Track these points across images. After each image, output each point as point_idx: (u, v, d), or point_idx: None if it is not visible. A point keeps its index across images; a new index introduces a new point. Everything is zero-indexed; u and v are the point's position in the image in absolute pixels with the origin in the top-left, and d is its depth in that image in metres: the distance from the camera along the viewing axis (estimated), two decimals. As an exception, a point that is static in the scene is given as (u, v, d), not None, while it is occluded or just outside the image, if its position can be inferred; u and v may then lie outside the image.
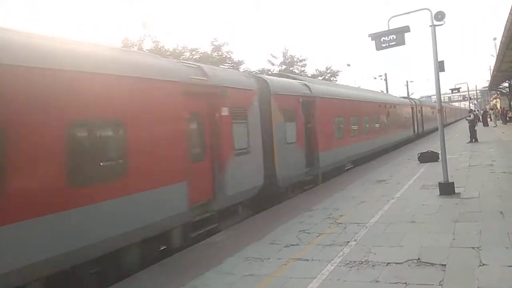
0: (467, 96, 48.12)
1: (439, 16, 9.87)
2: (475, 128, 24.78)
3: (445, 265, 5.46)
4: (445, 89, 54.56)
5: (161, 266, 6.77)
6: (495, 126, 38.76)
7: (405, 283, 5.04)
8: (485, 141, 23.65)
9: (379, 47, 10.36)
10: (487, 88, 57.35)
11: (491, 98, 67.33)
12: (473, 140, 23.66)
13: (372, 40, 10.41)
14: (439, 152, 11.28)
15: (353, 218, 8.59)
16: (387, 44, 10.19)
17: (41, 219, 5.01)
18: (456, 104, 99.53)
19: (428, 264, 5.56)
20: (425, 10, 10.08)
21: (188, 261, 6.84)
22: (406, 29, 10.12)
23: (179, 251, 7.42)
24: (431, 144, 20.71)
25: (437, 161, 14.97)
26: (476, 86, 69.44)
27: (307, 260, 6.29)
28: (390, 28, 10.22)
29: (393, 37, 10.14)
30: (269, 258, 6.53)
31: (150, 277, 6.30)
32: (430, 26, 10.03)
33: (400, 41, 10.15)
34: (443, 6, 11.33)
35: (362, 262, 5.93)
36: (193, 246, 7.67)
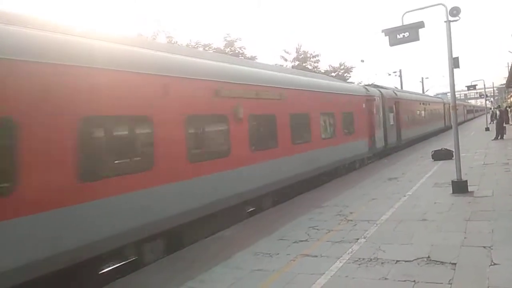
0: (483, 93, 47.04)
1: (455, 11, 9.69)
2: (504, 125, 24.23)
3: (455, 263, 5.40)
4: (461, 86, 53.65)
5: (170, 260, 6.84)
6: (511, 124, 38.06)
7: (414, 281, 4.99)
8: (501, 139, 23.26)
9: (392, 43, 10.23)
10: (504, 86, 56.18)
11: (508, 96, 65.95)
12: (499, 137, 23.23)
13: (386, 35, 10.28)
14: (454, 150, 11.13)
15: (363, 215, 8.54)
16: (402, 36, 10.03)
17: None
18: (472, 101, 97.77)
19: (438, 263, 5.50)
20: (440, 5, 9.91)
21: (197, 255, 6.89)
22: (421, 24, 9.96)
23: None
24: (446, 142, 20.44)
25: (451, 159, 14.73)
26: (493, 83, 68.18)
27: (315, 256, 6.28)
28: (404, 23, 10.08)
29: (407, 33, 10.00)
30: (278, 254, 6.54)
31: (158, 270, 6.37)
32: (445, 21, 9.87)
33: (414, 37, 9.99)
34: (459, 1, 11.14)
35: (371, 259, 5.90)
36: (202, 241, 7.73)
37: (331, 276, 5.41)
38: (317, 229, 7.78)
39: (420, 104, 28.58)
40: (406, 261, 5.67)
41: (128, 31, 28.88)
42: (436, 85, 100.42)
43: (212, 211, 7.83)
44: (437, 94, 61.15)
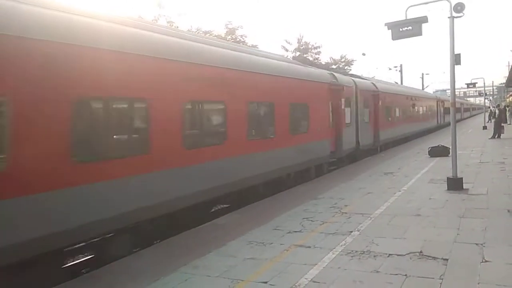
0: (482, 92, 47.03)
1: (459, 7, 9.62)
2: (502, 125, 24.28)
3: (447, 259, 5.44)
4: (460, 83, 53.56)
5: (165, 246, 6.87)
6: (510, 124, 38.15)
7: (406, 275, 5.03)
8: (498, 138, 23.34)
9: (395, 37, 10.15)
10: (504, 85, 56.19)
11: (508, 95, 66.04)
12: (496, 136, 23.31)
13: (388, 29, 10.19)
14: (450, 147, 11.16)
15: (358, 208, 8.58)
16: (404, 30, 9.93)
17: None
18: (471, 99, 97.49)
19: (430, 258, 5.54)
20: (444, 0, 9.83)
21: (192, 242, 6.92)
22: (424, 19, 9.87)
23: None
24: (443, 139, 20.50)
25: (448, 155, 14.79)
26: (492, 82, 68.10)
27: (309, 247, 6.31)
28: (408, 17, 10.00)
29: (410, 27, 9.92)
30: (271, 243, 6.57)
31: (153, 255, 6.39)
32: (449, 17, 9.81)
33: (417, 31, 9.91)
34: (463, -2, 11.01)
35: (364, 252, 5.94)
36: (198, 228, 7.76)
37: (323, 267, 5.44)
38: (312, 221, 7.81)
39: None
40: (398, 255, 5.70)
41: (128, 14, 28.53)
42: (436, 82, 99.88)
43: None
44: (437, 91, 61.01)
